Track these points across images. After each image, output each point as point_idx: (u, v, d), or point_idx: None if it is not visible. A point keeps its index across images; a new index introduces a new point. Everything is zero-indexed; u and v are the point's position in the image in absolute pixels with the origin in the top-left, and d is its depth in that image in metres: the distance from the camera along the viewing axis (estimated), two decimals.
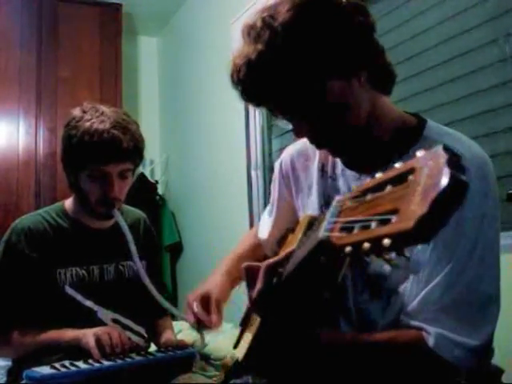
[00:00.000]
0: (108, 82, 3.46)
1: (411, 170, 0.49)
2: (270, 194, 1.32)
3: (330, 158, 1.07)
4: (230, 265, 1.28)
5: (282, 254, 0.86)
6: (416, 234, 0.44)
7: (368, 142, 0.97)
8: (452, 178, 0.44)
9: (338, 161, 1.05)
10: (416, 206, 0.45)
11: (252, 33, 0.88)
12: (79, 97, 3.21)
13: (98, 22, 3.49)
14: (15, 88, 3.23)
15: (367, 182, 0.57)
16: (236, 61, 0.90)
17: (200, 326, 1.18)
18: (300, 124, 0.93)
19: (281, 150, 2.72)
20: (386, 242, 0.47)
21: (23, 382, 1.25)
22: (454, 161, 0.45)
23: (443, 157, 0.46)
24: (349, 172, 1.03)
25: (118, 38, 3.55)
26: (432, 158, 0.47)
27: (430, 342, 0.86)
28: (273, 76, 0.86)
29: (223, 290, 1.21)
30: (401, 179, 0.51)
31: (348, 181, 1.02)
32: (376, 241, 0.48)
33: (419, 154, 0.50)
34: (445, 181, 0.44)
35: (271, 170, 2.72)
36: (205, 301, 1.17)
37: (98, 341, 1.32)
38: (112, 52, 3.50)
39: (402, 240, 0.46)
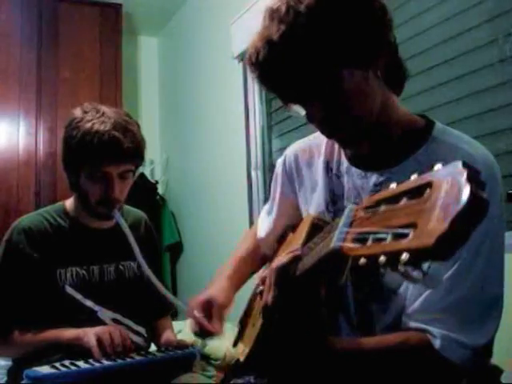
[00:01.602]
0: (108, 82, 3.46)
1: (428, 184, 0.48)
2: (269, 192, 1.32)
3: (335, 155, 1.07)
4: (232, 268, 1.28)
5: (287, 255, 0.85)
6: (436, 251, 0.44)
7: (376, 137, 0.97)
8: (473, 196, 0.43)
9: (343, 158, 1.06)
10: (436, 223, 0.44)
11: (275, 15, 0.88)
12: (79, 97, 3.22)
13: (98, 22, 3.50)
14: (15, 88, 3.23)
15: (381, 192, 0.56)
16: (255, 43, 0.90)
17: (201, 332, 1.16)
18: (314, 109, 0.93)
19: (281, 149, 2.72)
20: (404, 256, 0.46)
21: (23, 381, 1.25)
22: (474, 177, 0.45)
23: (463, 173, 0.45)
24: (354, 169, 1.03)
25: (118, 37, 3.55)
26: (451, 174, 0.46)
27: (436, 344, 0.86)
28: (294, 56, 0.86)
29: (227, 296, 1.20)
30: (416, 192, 0.50)
31: (353, 178, 1.02)
32: (393, 255, 0.48)
33: (437, 167, 0.49)
34: (465, 198, 0.43)
35: (271, 169, 2.72)
36: (207, 307, 1.16)
37: (99, 340, 1.32)
38: (112, 52, 3.50)
39: (421, 256, 0.46)
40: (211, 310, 1.16)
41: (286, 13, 0.87)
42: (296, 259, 0.80)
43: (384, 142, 0.98)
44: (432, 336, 0.87)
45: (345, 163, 1.05)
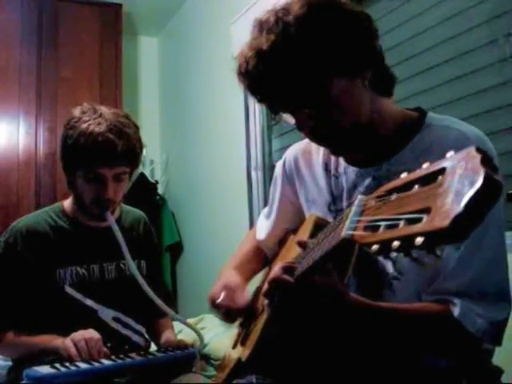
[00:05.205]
0: (108, 82, 3.46)
1: (441, 171, 0.49)
2: (269, 193, 1.32)
3: (333, 156, 1.08)
4: (236, 266, 1.28)
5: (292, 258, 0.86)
6: (451, 232, 0.44)
7: (369, 139, 0.98)
8: (487, 178, 0.43)
9: (341, 159, 1.07)
10: (451, 205, 0.44)
11: (264, 26, 0.91)
12: (79, 97, 3.21)
13: (98, 22, 3.49)
14: (15, 88, 3.23)
15: (392, 181, 0.56)
16: (245, 52, 0.92)
17: (228, 318, 1.16)
18: (303, 118, 0.94)
19: (281, 150, 2.72)
20: (419, 240, 0.47)
21: (23, 381, 1.25)
22: (488, 161, 0.45)
23: (477, 157, 0.46)
24: (351, 169, 1.04)
25: (118, 37, 3.55)
26: (464, 159, 0.47)
27: (456, 311, 0.88)
28: (283, 66, 0.88)
29: (241, 283, 1.21)
30: (429, 179, 0.50)
31: (350, 178, 1.04)
32: (407, 239, 0.48)
33: (449, 154, 0.49)
34: (480, 180, 0.43)
35: (271, 169, 2.72)
36: (226, 294, 1.16)
37: (75, 346, 1.30)
38: (112, 52, 3.50)
39: (436, 239, 0.46)
40: (229, 297, 1.16)
41: (274, 23, 0.89)
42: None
43: (377, 142, 0.99)
44: (452, 304, 0.89)
45: (342, 164, 1.06)
